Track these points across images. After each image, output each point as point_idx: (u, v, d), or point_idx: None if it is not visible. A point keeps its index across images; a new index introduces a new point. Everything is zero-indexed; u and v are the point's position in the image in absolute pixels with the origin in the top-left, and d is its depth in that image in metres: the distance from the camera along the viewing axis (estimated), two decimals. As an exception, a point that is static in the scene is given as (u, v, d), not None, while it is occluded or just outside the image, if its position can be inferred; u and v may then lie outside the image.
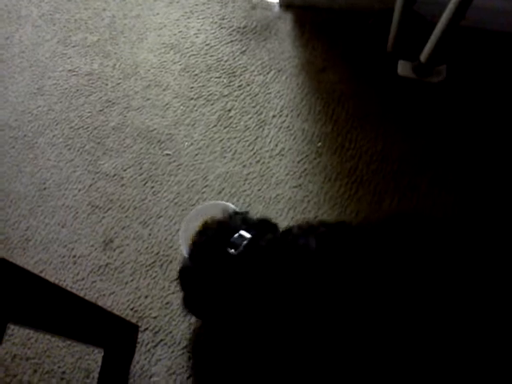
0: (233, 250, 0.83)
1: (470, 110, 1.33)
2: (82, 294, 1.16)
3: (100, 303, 1.14)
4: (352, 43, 1.47)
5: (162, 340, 1.09)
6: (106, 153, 1.38)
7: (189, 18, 1.61)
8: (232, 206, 1.21)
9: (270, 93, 1.43)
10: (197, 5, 1.63)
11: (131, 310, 1.14)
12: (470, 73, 1.38)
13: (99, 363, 1.06)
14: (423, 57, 1.28)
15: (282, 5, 1.59)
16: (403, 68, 1.36)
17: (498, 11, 1.39)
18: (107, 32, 1.61)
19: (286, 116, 1.38)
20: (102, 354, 1.05)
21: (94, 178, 1.34)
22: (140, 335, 1.10)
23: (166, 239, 1.22)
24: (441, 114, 1.34)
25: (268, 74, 1.46)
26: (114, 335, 1.04)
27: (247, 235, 0.85)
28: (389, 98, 1.37)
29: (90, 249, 1.23)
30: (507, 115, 1.32)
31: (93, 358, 1.08)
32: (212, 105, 1.43)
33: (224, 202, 1.22)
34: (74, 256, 1.23)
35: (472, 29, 1.43)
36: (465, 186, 1.23)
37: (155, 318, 1.12)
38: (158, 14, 1.63)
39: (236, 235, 0.85)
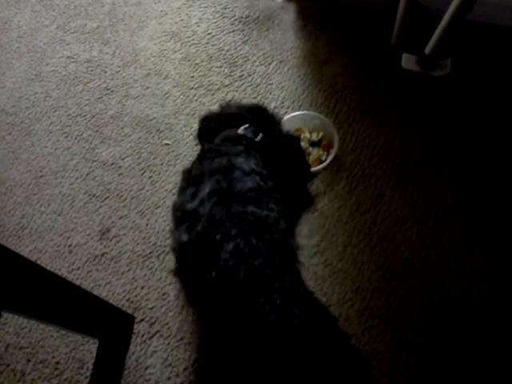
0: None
1: (473, 104, 1.32)
2: (77, 284, 1.14)
3: (96, 293, 1.13)
4: (356, 35, 1.45)
5: (157, 331, 1.08)
6: (104, 141, 1.36)
7: (190, 6, 1.59)
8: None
9: (271, 84, 1.41)
10: (198, -8, 1.61)
11: (127, 300, 1.12)
12: (474, 67, 1.36)
13: (94, 354, 1.05)
14: (428, 50, 1.26)
15: (285, -5, 1.57)
16: (407, 61, 1.34)
17: (503, 6, 1.37)
18: (107, 19, 1.58)
19: (288, 108, 1.36)
20: (97, 344, 1.03)
21: (91, 167, 1.32)
22: (136, 326, 1.09)
23: (163, 230, 1.20)
24: (444, 107, 1.32)
25: (270, 64, 1.44)
26: (109, 326, 1.03)
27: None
28: (392, 91, 1.36)
29: (86, 238, 1.22)
30: (510, 109, 1.30)
31: (87, 348, 1.07)
32: (213, 95, 1.40)
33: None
34: (70, 245, 1.21)
35: (477, 23, 1.41)
36: (467, 181, 1.21)
37: (151, 308, 1.11)
38: (159, 1, 1.61)
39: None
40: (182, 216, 0.83)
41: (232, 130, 0.97)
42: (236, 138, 0.93)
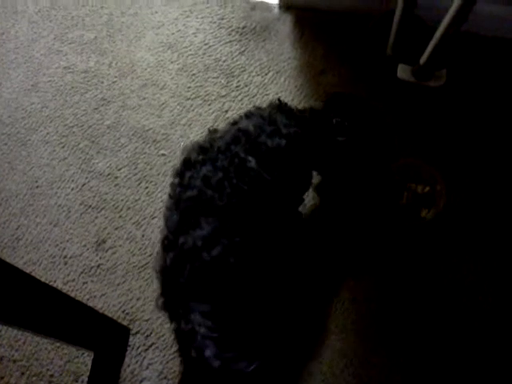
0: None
1: (468, 114, 1.32)
2: (72, 296, 1.13)
3: (91, 305, 1.12)
4: (352, 46, 1.46)
5: (153, 343, 1.07)
6: (101, 152, 1.36)
7: (188, 17, 1.59)
8: None
9: (268, 94, 1.41)
10: (196, 4, 1.61)
11: (123, 312, 1.11)
12: (469, 78, 1.37)
13: (89, 367, 1.04)
14: (423, 60, 1.26)
15: (281, 6, 1.58)
16: (403, 71, 1.35)
17: (497, 17, 1.38)
18: (104, 30, 1.59)
19: (284, 118, 1.36)
20: (92, 357, 1.03)
21: (87, 177, 1.32)
22: (131, 338, 1.08)
23: (159, 241, 1.19)
24: (439, 118, 1.32)
25: (266, 75, 1.45)
26: (104, 338, 1.02)
27: None
28: (387, 102, 1.36)
29: (81, 249, 1.21)
30: (506, 121, 1.31)
31: (82, 361, 1.06)
32: (209, 105, 1.41)
33: None
34: (65, 256, 1.20)
35: (472, 34, 1.42)
36: (463, 190, 1.21)
37: (147, 320, 1.10)
38: (156, 12, 1.61)
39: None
40: None
41: None
42: None
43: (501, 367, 1.02)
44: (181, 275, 0.79)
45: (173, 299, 0.82)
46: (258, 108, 0.99)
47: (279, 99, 1.01)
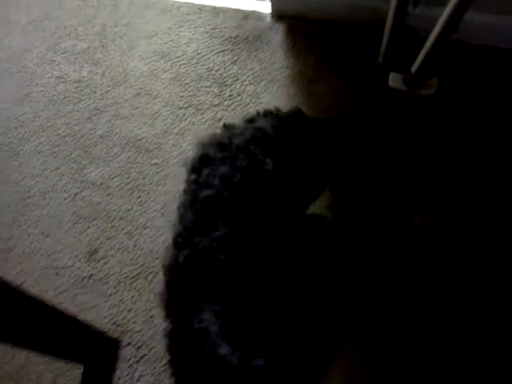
0: None
1: (460, 122, 1.32)
2: (63, 307, 1.12)
3: (82, 316, 1.11)
4: (343, 54, 1.46)
5: (144, 355, 1.06)
6: (93, 161, 1.35)
7: (181, 26, 1.60)
8: None
9: (261, 103, 1.41)
10: (188, 14, 1.62)
11: (114, 323, 1.10)
12: (460, 86, 1.37)
13: (79, 380, 1.02)
14: (414, 69, 1.27)
15: (273, 15, 1.59)
16: (394, 80, 1.35)
17: (488, 26, 1.39)
18: (97, 39, 1.59)
19: (277, 127, 1.36)
20: (82, 370, 1.01)
21: (79, 187, 1.31)
22: (122, 350, 1.07)
23: (151, 251, 1.19)
24: (431, 126, 1.33)
25: (259, 84, 1.45)
26: (94, 350, 1.01)
27: None
28: (379, 110, 1.36)
29: (73, 259, 1.20)
30: (496, 128, 1.31)
31: (72, 374, 1.04)
32: (202, 114, 1.41)
33: None
34: (57, 267, 1.20)
35: (463, 43, 1.42)
36: (454, 198, 1.21)
37: (138, 332, 1.09)
38: (149, 22, 1.62)
39: None
40: None
41: None
42: None
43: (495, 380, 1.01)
44: (193, 274, 0.78)
45: (180, 297, 0.81)
46: (277, 109, 0.99)
47: (299, 109, 1.02)
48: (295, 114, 1.00)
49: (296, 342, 0.93)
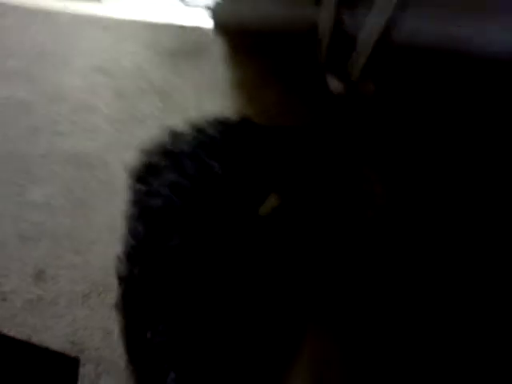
0: None
1: (399, 124, 1.40)
2: (13, 333, 1.09)
3: (35, 340, 1.08)
4: (285, 63, 1.51)
5: (105, 369, 1.05)
6: (35, 181, 1.32)
7: (121, 42, 1.58)
8: None
9: (204, 112, 1.44)
10: (130, 30, 1.61)
11: (70, 343, 1.09)
12: (399, 88, 1.45)
13: (37, 404, 1.00)
14: (352, 71, 1.34)
15: (215, 29, 1.61)
16: (333, 83, 1.41)
17: (423, 30, 1.47)
18: (34, 57, 1.55)
19: (220, 134, 1.39)
20: (40, 393, 0.99)
21: (22, 209, 1.28)
22: (81, 369, 1.05)
23: (102, 267, 1.18)
24: (370, 128, 1.40)
25: (202, 94, 1.47)
26: (52, 373, 0.99)
27: None
28: (321, 114, 1.42)
29: (20, 283, 1.17)
30: (436, 130, 1.38)
31: (29, 399, 1.02)
32: (145, 126, 1.41)
33: None
34: (4, 292, 1.16)
35: (400, 46, 1.49)
36: (402, 191, 1.28)
37: (97, 349, 1.08)
38: (88, 38, 1.59)
39: None
40: None
41: None
42: None
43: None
44: (149, 286, 0.79)
45: (136, 309, 0.82)
46: (225, 117, 1.01)
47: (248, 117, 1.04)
48: (244, 121, 1.02)
49: (254, 345, 0.95)
